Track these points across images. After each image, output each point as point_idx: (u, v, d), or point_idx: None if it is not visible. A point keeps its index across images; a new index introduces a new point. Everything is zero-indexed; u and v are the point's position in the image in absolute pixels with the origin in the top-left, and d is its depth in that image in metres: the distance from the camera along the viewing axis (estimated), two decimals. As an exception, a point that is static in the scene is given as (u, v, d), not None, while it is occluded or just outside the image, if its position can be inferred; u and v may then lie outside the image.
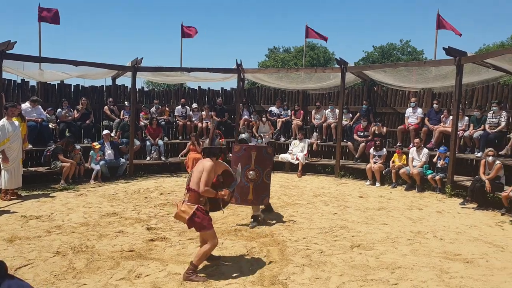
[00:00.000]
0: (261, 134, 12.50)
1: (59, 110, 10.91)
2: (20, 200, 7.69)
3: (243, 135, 5.36)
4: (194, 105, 13.11)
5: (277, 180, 10.66)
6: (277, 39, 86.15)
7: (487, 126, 9.45)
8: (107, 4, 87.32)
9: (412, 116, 11.05)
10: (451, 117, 9.72)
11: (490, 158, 7.89)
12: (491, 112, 9.46)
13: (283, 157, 12.01)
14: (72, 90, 12.23)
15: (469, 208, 7.95)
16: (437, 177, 9.23)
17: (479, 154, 9.20)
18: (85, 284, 4.21)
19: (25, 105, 9.83)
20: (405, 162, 10.01)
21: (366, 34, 72.99)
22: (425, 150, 9.76)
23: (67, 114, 10.94)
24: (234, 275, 4.48)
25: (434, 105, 10.74)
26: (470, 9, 62.07)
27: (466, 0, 64.07)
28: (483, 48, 33.49)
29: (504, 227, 6.72)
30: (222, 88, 14.50)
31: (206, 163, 4.39)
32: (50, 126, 10.35)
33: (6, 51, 8.53)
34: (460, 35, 11.82)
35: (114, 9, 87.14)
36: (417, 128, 10.80)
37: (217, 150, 4.70)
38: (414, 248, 5.53)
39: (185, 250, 5.28)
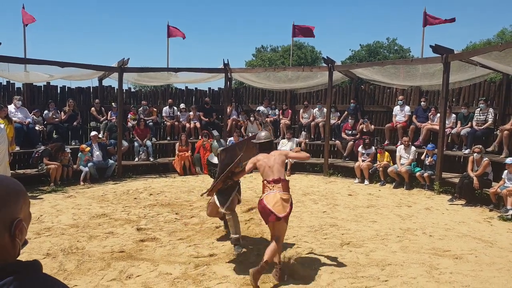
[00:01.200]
0: (249, 134, 12.50)
1: (45, 112, 10.78)
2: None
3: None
4: (182, 106, 13.05)
5: (267, 179, 10.67)
6: (264, 38, 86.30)
7: (474, 123, 9.60)
8: (93, 4, 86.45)
9: (400, 114, 11.16)
10: (438, 114, 9.84)
11: (478, 155, 8.02)
12: (478, 109, 9.60)
13: (273, 156, 12.02)
14: (59, 91, 12.10)
15: (457, 204, 8.06)
16: (425, 174, 9.34)
17: (466, 151, 9.34)
18: (76, 285, 4.16)
19: (10, 107, 9.69)
20: (388, 160, 10.11)
21: (353, 33, 73.51)
22: (413, 148, 9.87)
23: (54, 116, 10.81)
24: (226, 274, 4.48)
25: (422, 103, 10.87)
26: (456, 7, 62.92)
27: (452, -2, 64.90)
28: (470, 45, 33.96)
29: (492, 223, 6.82)
30: (209, 88, 14.47)
31: (282, 153, 4.75)
32: (37, 128, 10.21)
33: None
34: (454, 19, 11.54)
35: (100, 10, 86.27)
36: (405, 126, 10.92)
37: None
38: (404, 245, 5.59)
39: (176, 250, 5.25)
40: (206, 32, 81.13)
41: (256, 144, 4.86)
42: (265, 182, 4.55)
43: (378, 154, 10.31)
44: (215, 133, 6.29)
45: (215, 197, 5.21)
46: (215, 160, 5.36)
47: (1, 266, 1.04)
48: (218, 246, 5.40)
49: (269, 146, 4.82)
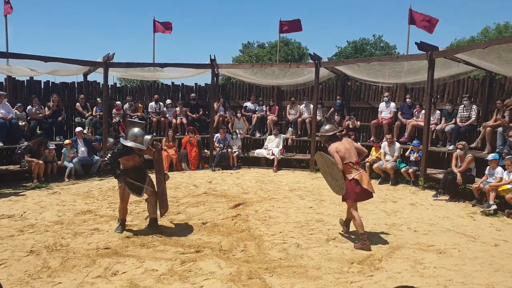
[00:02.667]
0: (236, 130, 12.49)
1: (29, 107, 10.57)
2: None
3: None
4: (168, 101, 12.96)
5: (253, 175, 10.69)
6: (251, 34, 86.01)
7: (458, 119, 9.74)
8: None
9: (386, 110, 11.28)
10: (423, 111, 9.96)
11: (461, 151, 8.14)
12: (462, 106, 9.75)
13: (259, 152, 12.05)
14: (43, 86, 11.89)
15: (441, 200, 8.18)
16: (410, 170, 9.45)
17: (451, 147, 9.48)
18: (60, 282, 4.11)
19: (-8, 102, 9.49)
20: (380, 156, 10.20)
21: (339, 29, 73.88)
22: (397, 145, 9.97)
23: (37, 112, 10.61)
24: (212, 270, 4.47)
25: (407, 100, 10.99)
26: (441, 4, 63.65)
27: (437, -5, 65.59)
28: (454, 43, 34.40)
29: (475, 218, 6.95)
30: (196, 84, 14.36)
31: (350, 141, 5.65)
32: (20, 123, 10.02)
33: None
34: (437, 21, 11.76)
35: (86, 4, 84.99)
36: (390, 123, 11.03)
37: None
38: (389, 240, 5.65)
39: (162, 246, 5.22)
40: (192, 27, 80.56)
41: (326, 136, 5.57)
42: (350, 164, 5.33)
43: (373, 148, 10.38)
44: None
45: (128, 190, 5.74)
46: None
47: None
48: (205, 242, 5.39)
49: (335, 136, 5.59)
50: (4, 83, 11.04)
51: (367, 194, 5.35)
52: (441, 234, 5.99)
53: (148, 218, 6.04)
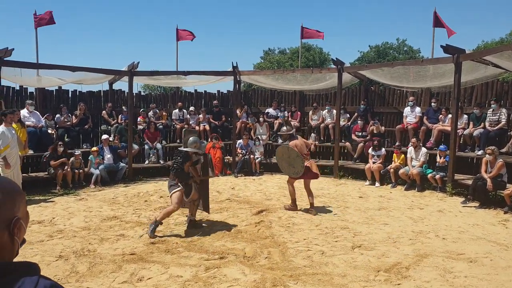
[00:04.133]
0: (259, 136, 12.50)
1: (57, 115, 10.90)
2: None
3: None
4: (191, 108, 13.11)
5: (276, 181, 10.65)
6: (272, 40, 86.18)
7: (487, 124, 9.46)
8: (102, 7, 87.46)
9: (411, 115, 11.06)
10: (449, 115, 9.72)
11: (490, 156, 7.89)
12: (491, 109, 9.47)
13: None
14: (70, 95, 12.24)
15: (471, 206, 7.94)
16: (437, 176, 9.22)
17: (479, 152, 9.20)
18: (88, 287, 4.18)
19: (24, 111, 9.82)
20: (402, 162, 10.01)
21: (361, 34, 73.15)
22: (423, 150, 9.75)
23: (65, 120, 10.92)
24: (236, 277, 4.46)
25: (433, 104, 10.75)
26: (468, 5, 62.22)
27: (463, -3, 64.12)
28: (481, 45, 33.54)
29: (508, 226, 6.70)
30: (218, 91, 14.50)
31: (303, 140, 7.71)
32: (50, 132, 10.34)
33: (4, 58, 8.52)
34: (451, 34, 11.72)
35: (110, 12, 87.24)
36: (416, 127, 10.81)
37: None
38: (416, 247, 5.51)
39: (186, 252, 5.25)
40: (214, 35, 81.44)
41: (287, 135, 7.54)
42: (303, 155, 7.19)
43: (394, 154, 10.21)
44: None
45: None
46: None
47: (4, 263, 1.07)
48: (228, 249, 5.39)
49: (293, 135, 7.61)
50: (34, 93, 11.42)
51: (314, 176, 7.50)
52: (471, 242, 5.80)
53: (188, 220, 6.41)
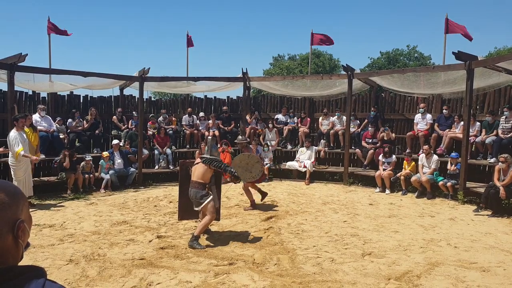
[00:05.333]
0: (268, 142, 12.49)
1: (69, 120, 11.02)
2: (33, 209, 7.73)
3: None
4: (201, 114, 13.16)
5: (285, 187, 10.62)
6: (281, 46, 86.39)
7: (499, 131, 9.34)
8: (114, 14, 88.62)
9: (421, 122, 10.96)
10: (462, 122, 9.62)
11: (505, 164, 7.78)
12: (503, 117, 9.35)
13: (290, 164, 11.97)
14: (81, 100, 12.36)
15: (483, 215, 7.82)
16: (448, 184, 9.11)
17: (492, 160, 9.08)
18: (97, 292, 4.20)
19: (35, 116, 9.94)
20: (413, 169, 9.91)
21: (371, 40, 72.99)
22: (435, 157, 9.65)
23: (77, 125, 11.03)
24: (245, 283, 4.44)
25: (444, 111, 10.65)
26: (479, 12, 61.71)
27: (475, 3, 63.55)
28: (494, 52, 33.24)
29: (520, 234, 6.59)
30: (228, 97, 14.55)
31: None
32: (61, 136, 10.45)
33: (18, 64, 8.65)
34: (471, 39, 11.61)
35: (121, 19, 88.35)
36: (427, 134, 10.71)
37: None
38: (428, 256, 5.44)
39: (195, 258, 5.24)
40: (223, 41, 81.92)
41: (244, 143, 8.57)
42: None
43: (405, 161, 10.13)
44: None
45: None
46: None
47: (8, 267, 1.06)
48: (237, 255, 5.37)
49: (248, 143, 8.89)
50: (47, 98, 11.57)
51: (263, 178, 9.02)
52: (484, 251, 5.70)
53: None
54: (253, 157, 7.38)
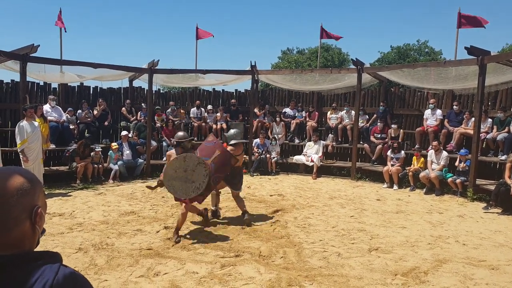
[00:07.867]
0: (275, 136, 12.47)
1: (79, 111, 11.10)
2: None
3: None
4: (209, 107, 13.17)
5: (292, 181, 10.61)
6: (290, 40, 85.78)
7: (511, 128, 9.22)
8: (124, 6, 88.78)
9: (431, 117, 10.85)
10: (473, 118, 9.51)
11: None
12: (515, 114, 9.23)
13: (298, 158, 11.95)
14: (91, 92, 12.44)
15: (493, 213, 7.73)
16: (457, 181, 9.03)
17: (503, 157, 8.97)
18: (106, 280, 4.26)
19: (46, 106, 10.02)
20: (422, 165, 9.83)
21: (381, 35, 72.19)
22: (444, 153, 9.56)
23: (86, 116, 11.11)
24: (252, 275, 4.46)
25: (454, 107, 10.52)
26: (492, 7, 60.64)
27: (487, -1, 62.42)
28: (506, 47, 32.72)
29: (530, 233, 6.52)
30: (236, 90, 14.54)
31: None
32: (71, 127, 10.54)
33: (30, 54, 8.72)
34: (486, 23, 11.23)
35: (130, 11, 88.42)
36: (436, 130, 10.60)
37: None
38: (435, 252, 5.41)
39: (202, 249, 5.27)
40: (232, 34, 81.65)
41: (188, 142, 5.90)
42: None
43: (414, 157, 10.05)
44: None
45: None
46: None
47: (26, 252, 1.09)
48: (244, 247, 5.39)
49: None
50: (57, 89, 11.66)
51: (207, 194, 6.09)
52: (493, 249, 5.65)
53: (215, 210, 6.93)
54: (191, 158, 5.41)
